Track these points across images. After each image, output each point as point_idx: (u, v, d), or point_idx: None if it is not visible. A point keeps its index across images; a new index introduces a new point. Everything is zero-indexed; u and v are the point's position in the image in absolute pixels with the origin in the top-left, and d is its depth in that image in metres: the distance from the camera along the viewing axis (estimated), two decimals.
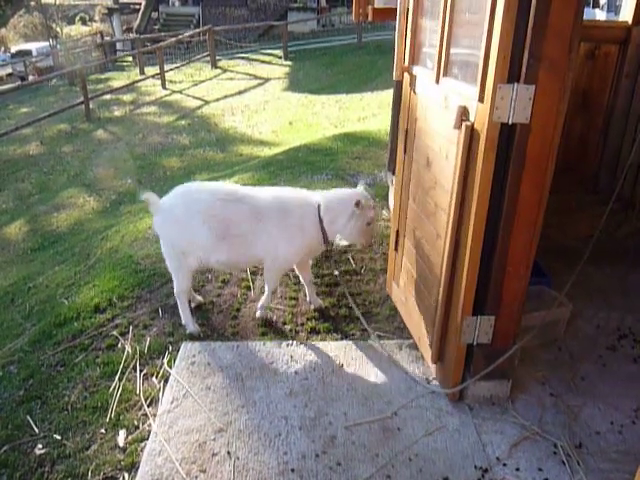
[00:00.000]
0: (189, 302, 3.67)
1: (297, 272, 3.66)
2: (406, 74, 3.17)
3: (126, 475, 2.51)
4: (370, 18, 4.39)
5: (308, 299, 3.69)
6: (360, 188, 3.40)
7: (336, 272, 3.50)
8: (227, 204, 3.23)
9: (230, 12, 27.57)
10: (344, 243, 3.58)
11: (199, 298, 3.75)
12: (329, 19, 27.67)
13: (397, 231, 3.43)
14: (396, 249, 3.47)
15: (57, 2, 34.32)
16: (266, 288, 3.55)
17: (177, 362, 3.17)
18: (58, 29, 33.02)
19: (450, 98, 2.56)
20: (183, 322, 3.46)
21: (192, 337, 3.40)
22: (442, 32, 2.57)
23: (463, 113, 2.40)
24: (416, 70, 3.03)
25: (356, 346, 3.29)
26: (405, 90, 3.21)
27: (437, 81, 2.68)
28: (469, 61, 2.41)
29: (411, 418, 2.76)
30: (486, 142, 2.27)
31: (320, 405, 2.85)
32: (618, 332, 3.40)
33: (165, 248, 3.36)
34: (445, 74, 2.62)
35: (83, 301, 3.89)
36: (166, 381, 3.05)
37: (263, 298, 3.57)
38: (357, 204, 3.20)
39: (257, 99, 14.65)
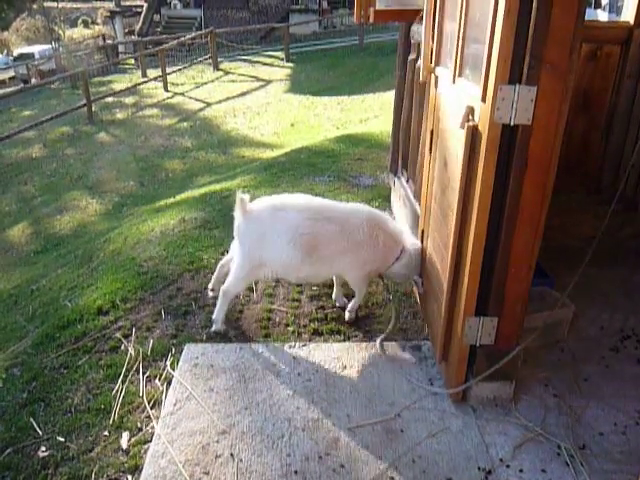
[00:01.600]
0: (212, 290, 3.68)
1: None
2: (432, 75, 3.18)
3: (129, 477, 2.52)
4: (372, 20, 4.40)
5: (334, 297, 3.71)
6: None
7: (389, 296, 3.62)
8: (315, 223, 3.18)
9: (232, 14, 27.63)
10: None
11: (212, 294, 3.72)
12: (330, 21, 27.70)
13: (422, 231, 3.45)
14: None
15: (59, 5, 34.38)
16: (357, 293, 3.52)
17: (180, 364, 3.18)
18: (60, 32, 33.09)
19: (462, 99, 2.57)
20: (214, 317, 3.44)
21: (216, 334, 3.42)
22: (458, 33, 2.58)
23: (469, 113, 2.41)
24: (439, 71, 3.05)
25: (359, 347, 3.29)
26: (431, 90, 3.22)
27: (453, 82, 2.69)
28: (476, 62, 2.42)
29: (414, 420, 2.76)
30: (487, 142, 2.27)
31: (323, 407, 2.85)
32: (621, 333, 3.39)
33: (241, 254, 3.31)
34: (460, 75, 2.63)
35: (86, 303, 3.89)
36: (169, 383, 3.05)
37: (352, 303, 3.55)
38: (419, 282, 3.38)
39: (259, 101, 14.68)
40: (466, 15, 2.52)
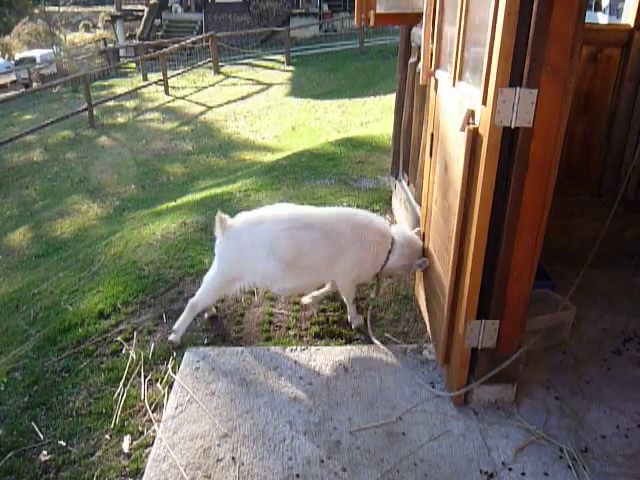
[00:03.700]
0: (203, 311, 3.63)
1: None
2: (432, 78, 3.19)
3: None
4: (372, 23, 4.41)
5: (316, 292, 3.65)
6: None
7: (372, 295, 3.57)
8: (295, 232, 3.15)
9: (232, 18, 27.68)
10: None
11: (213, 310, 3.66)
12: (331, 24, 27.73)
13: (423, 234, 3.45)
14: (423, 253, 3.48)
15: (61, 9, 34.49)
16: (345, 301, 3.51)
17: (181, 368, 3.18)
18: (61, 36, 33.15)
19: (463, 102, 2.57)
20: (175, 327, 3.39)
21: (171, 344, 3.36)
22: (458, 36, 2.59)
23: (470, 116, 2.41)
24: (439, 74, 3.06)
25: (360, 351, 3.29)
26: (431, 94, 3.23)
27: (453, 85, 2.69)
28: (476, 65, 2.42)
29: (416, 423, 2.76)
30: (488, 145, 2.27)
31: (325, 410, 2.84)
32: (623, 335, 3.39)
33: (216, 268, 3.30)
34: (460, 78, 2.64)
35: (87, 307, 3.90)
36: (170, 387, 3.05)
37: (349, 312, 3.53)
38: (421, 265, 3.32)
39: (260, 104, 14.70)
40: (466, 18, 2.53)
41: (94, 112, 14.09)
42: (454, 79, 2.68)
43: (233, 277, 3.27)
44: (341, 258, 3.25)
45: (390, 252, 3.32)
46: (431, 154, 3.24)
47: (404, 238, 3.37)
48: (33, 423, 2.90)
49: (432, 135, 3.21)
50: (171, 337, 3.39)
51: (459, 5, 2.57)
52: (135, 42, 25.26)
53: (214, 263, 3.35)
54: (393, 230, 3.40)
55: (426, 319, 3.43)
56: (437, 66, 3.11)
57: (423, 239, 3.46)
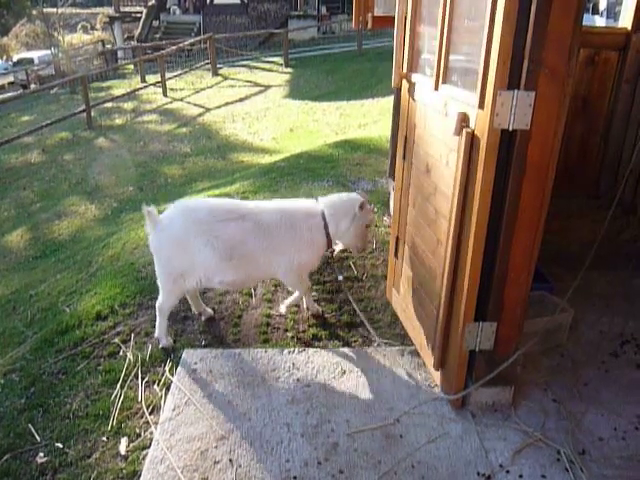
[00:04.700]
0: (199, 315, 3.65)
1: None
2: (405, 81, 3.17)
3: None
4: (370, 25, 4.41)
5: (305, 305, 3.67)
6: (356, 193, 3.46)
7: (340, 277, 3.49)
8: (229, 223, 3.12)
9: (231, 20, 27.69)
10: (339, 247, 3.58)
11: (209, 311, 3.66)
12: (329, 26, 27.78)
13: (397, 237, 3.43)
14: (396, 255, 3.46)
15: (59, 11, 34.43)
16: (298, 293, 3.53)
17: (179, 370, 3.17)
18: (60, 37, 33.11)
19: (450, 105, 2.57)
20: (156, 335, 3.40)
21: (165, 350, 3.36)
22: (441, 39, 2.58)
23: (463, 120, 2.41)
24: (415, 77, 3.04)
25: (358, 353, 3.28)
26: (404, 97, 3.22)
27: (436, 88, 2.68)
28: (469, 68, 2.42)
29: (413, 425, 2.75)
30: (486, 148, 2.27)
31: (322, 412, 2.84)
32: (621, 338, 3.39)
33: (160, 267, 3.24)
34: (444, 81, 2.63)
35: (85, 309, 3.89)
36: (168, 389, 3.04)
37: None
38: (361, 206, 3.28)
39: (258, 106, 14.69)
40: (450, 21, 2.51)
41: (92, 113, 14.07)
42: (437, 82, 2.67)
43: (180, 272, 3.18)
44: (277, 251, 3.22)
45: (326, 226, 3.28)
46: (404, 157, 3.23)
47: (330, 204, 3.34)
48: (30, 425, 2.90)
49: (405, 137, 3.20)
50: (161, 345, 3.38)
51: (441, 8, 2.55)
52: (133, 44, 25.25)
53: (156, 263, 3.27)
54: (320, 204, 3.35)
55: (406, 324, 3.41)
56: (411, 69, 3.10)
57: (397, 242, 3.43)
